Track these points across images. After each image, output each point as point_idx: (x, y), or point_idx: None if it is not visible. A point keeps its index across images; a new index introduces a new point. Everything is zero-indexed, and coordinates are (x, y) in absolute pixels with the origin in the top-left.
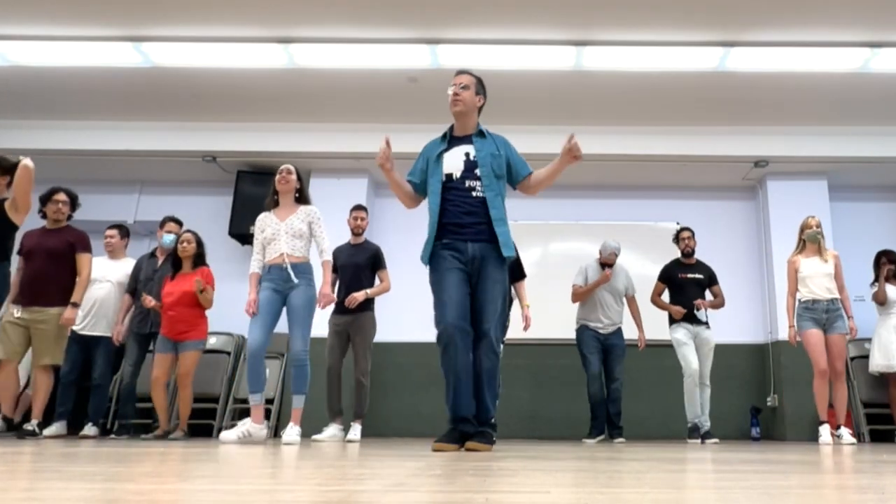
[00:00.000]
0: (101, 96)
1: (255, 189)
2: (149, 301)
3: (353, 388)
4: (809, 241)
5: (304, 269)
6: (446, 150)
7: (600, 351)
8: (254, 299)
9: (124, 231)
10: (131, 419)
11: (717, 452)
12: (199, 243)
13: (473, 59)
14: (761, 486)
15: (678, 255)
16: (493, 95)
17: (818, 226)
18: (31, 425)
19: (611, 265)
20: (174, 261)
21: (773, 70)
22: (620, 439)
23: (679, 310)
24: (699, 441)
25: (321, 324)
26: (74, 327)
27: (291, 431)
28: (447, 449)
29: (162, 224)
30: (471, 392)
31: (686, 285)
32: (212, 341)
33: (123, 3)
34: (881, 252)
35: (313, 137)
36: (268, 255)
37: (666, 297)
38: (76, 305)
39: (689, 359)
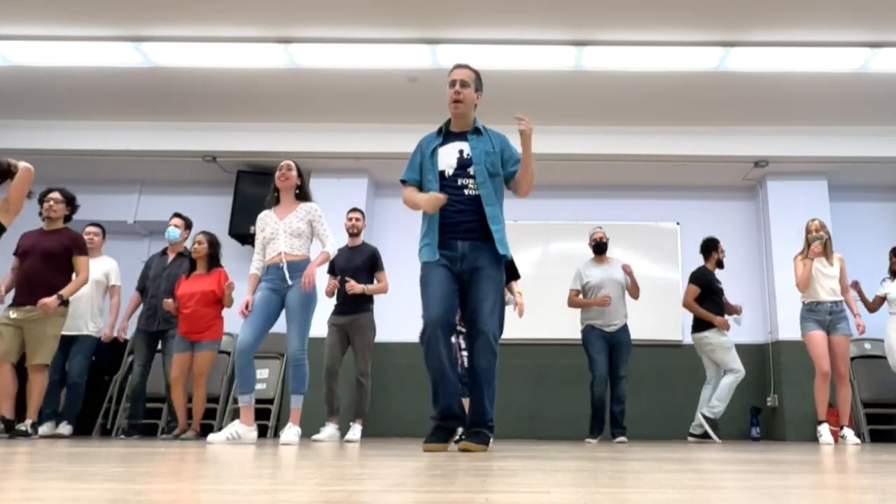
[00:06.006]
0: (101, 96)
1: (255, 189)
2: (170, 305)
3: (351, 387)
4: (813, 244)
5: (303, 266)
6: (441, 145)
7: (607, 350)
8: (248, 301)
9: (104, 230)
10: (142, 419)
11: (718, 452)
12: (212, 244)
13: (473, 60)
14: (761, 486)
15: (703, 262)
16: (493, 95)
17: (817, 230)
18: (25, 425)
19: (603, 244)
20: (190, 261)
21: (773, 70)
22: (622, 438)
23: (726, 323)
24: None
25: (321, 324)
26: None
27: (290, 432)
28: (438, 449)
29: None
30: (456, 387)
31: (720, 294)
32: None
33: (123, 3)
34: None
35: (313, 137)
36: (267, 254)
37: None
38: (61, 297)
39: (737, 358)
